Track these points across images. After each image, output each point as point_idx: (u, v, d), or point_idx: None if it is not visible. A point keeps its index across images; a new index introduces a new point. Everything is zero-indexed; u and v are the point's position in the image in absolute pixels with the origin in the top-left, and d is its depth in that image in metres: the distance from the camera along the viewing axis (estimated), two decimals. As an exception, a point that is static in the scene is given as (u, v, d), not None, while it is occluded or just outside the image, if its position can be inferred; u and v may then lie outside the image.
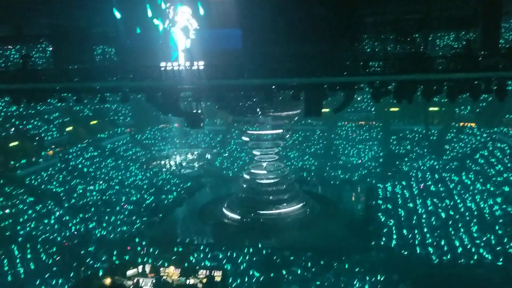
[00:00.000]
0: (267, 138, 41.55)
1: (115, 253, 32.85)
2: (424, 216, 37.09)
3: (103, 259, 32.23)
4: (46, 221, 39.14)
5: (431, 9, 24.05)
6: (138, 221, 40.06)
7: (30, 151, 51.13)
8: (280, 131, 41.25)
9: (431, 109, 61.57)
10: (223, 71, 23.53)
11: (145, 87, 25.93)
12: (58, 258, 32.74)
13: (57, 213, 40.91)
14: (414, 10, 24.73)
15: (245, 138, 43.57)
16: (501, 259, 29.77)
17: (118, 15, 24.61)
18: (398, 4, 24.47)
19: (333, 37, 22.79)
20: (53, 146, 54.70)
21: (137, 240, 35.62)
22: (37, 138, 53.93)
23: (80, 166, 52.56)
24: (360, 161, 57.13)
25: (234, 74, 23.44)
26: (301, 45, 22.57)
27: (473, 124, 59.39)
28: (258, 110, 37.57)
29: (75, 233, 37.54)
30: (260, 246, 33.82)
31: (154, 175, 54.93)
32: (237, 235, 38.45)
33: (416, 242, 32.95)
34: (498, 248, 30.84)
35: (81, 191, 46.64)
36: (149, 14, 25.14)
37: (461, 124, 60.44)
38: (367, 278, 27.87)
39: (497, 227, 33.53)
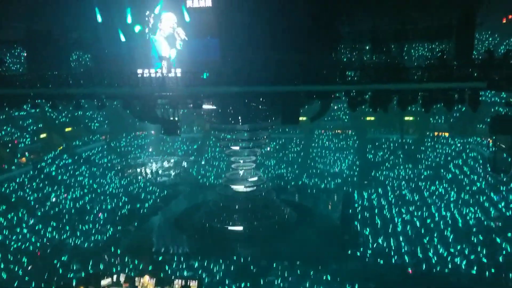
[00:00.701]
0: (245, 146, 41.48)
1: (89, 262, 32.26)
2: (400, 225, 37.45)
3: (76, 268, 31.60)
4: (18, 230, 38.20)
5: (407, 20, 24.48)
6: (112, 230, 39.44)
7: (3, 158, 50.01)
8: (258, 138, 41.19)
9: (406, 118, 62.47)
10: (201, 78, 23.48)
11: (121, 94, 25.68)
12: (31, 267, 31.97)
13: (30, 222, 40.02)
14: (390, 21, 25.12)
15: (222, 146, 43.42)
16: (475, 268, 30.18)
17: (99, 18, 24.34)
18: (374, 15, 24.82)
19: (310, 46, 22.98)
20: (26, 153, 53.57)
21: (112, 249, 35.05)
22: (10, 145, 52.75)
23: (54, 173, 51.58)
24: (336, 169, 57.50)
25: (212, 82, 23.41)
26: (279, 54, 22.70)
27: (447, 134, 60.57)
28: (236, 117, 37.50)
29: (48, 242, 36.70)
30: (236, 255, 33.62)
31: (129, 183, 54.23)
32: (213, 243, 38.12)
33: (392, 251, 33.22)
34: (472, 257, 31.27)
35: (54, 199, 45.78)
36: (129, 20, 24.93)
37: (436, 133, 61.56)
38: (344, 286, 27.96)
39: (472, 236, 34.03)
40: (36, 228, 39.00)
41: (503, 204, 37.75)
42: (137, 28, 25.05)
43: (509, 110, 23.88)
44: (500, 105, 49.55)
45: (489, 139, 48.58)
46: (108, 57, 26.45)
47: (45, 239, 37.10)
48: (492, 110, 48.82)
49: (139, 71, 24.11)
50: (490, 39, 63.38)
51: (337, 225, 40.81)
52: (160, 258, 33.71)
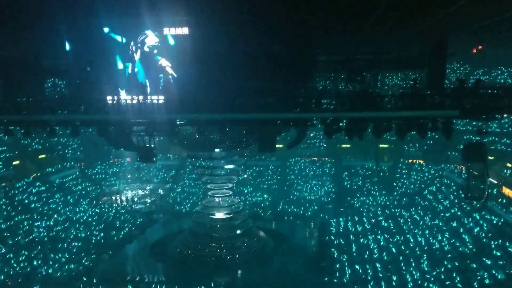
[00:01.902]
0: (221, 173, 41.38)
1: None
2: (376, 251, 37.56)
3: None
4: (-12, 259, 37.03)
5: (380, 50, 25.10)
6: (86, 259, 38.48)
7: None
8: (234, 166, 41.17)
9: (381, 146, 63.37)
10: (177, 105, 23.45)
11: (96, 120, 25.41)
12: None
13: (1, 251, 38.77)
14: (364, 50, 25.70)
15: (199, 173, 43.21)
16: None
17: (68, 47, 24.05)
18: (349, 45, 25.37)
19: (286, 74, 23.27)
20: (-2, 181, 52.36)
21: (85, 278, 34.15)
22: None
23: (26, 201, 50.34)
24: (313, 196, 57.65)
25: (188, 109, 23.39)
26: (255, 82, 22.89)
27: (421, 161, 61.61)
28: (212, 145, 37.49)
29: (19, 271, 35.58)
30: (213, 283, 33.13)
31: (104, 211, 53.23)
32: (189, 272, 37.52)
33: (369, 277, 33.19)
34: (447, 283, 31.45)
35: (26, 227, 44.51)
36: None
37: (410, 161, 62.56)
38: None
39: (446, 262, 34.30)
40: (7, 257, 37.82)
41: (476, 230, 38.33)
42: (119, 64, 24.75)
43: (481, 138, 24.46)
44: (473, 133, 50.71)
45: (462, 167, 49.52)
46: (83, 84, 26.21)
47: (17, 268, 36.02)
48: (465, 137, 49.95)
49: (115, 97, 23.95)
50: (462, 68, 65.39)
51: (314, 251, 40.71)
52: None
